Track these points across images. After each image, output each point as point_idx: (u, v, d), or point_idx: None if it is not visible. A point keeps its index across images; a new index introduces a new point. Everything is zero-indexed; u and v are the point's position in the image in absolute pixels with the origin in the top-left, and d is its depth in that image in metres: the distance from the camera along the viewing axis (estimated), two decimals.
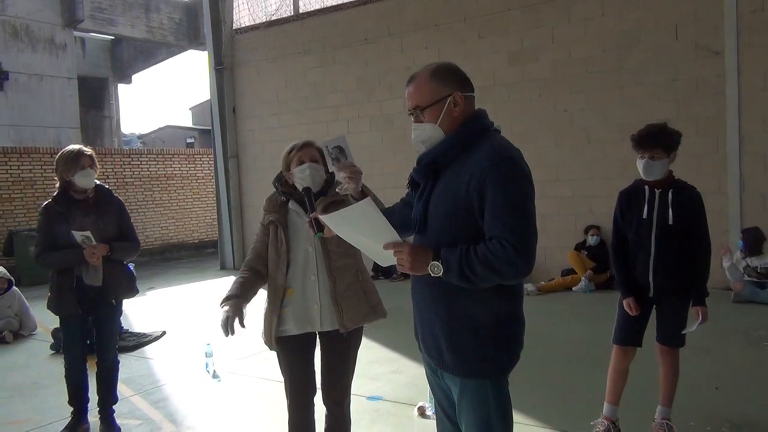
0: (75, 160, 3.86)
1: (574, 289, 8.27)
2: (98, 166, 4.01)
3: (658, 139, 3.37)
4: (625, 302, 3.49)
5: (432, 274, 1.93)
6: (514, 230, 1.87)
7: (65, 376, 4.11)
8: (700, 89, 7.95)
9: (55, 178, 3.99)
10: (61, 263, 3.90)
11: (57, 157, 3.96)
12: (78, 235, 3.77)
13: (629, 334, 3.56)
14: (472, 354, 2.00)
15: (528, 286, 7.85)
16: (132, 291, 4.18)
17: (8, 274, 7.35)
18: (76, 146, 3.98)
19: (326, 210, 2.66)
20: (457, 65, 2.12)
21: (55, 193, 4.00)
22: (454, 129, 2.05)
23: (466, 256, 1.88)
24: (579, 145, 8.86)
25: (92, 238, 3.78)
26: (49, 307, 3.99)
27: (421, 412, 4.16)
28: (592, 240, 8.53)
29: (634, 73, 8.37)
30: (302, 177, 2.87)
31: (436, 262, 1.92)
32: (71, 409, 4.12)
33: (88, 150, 3.96)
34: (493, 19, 9.41)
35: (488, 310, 1.99)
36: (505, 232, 1.87)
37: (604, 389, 3.68)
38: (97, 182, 4.04)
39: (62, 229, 3.86)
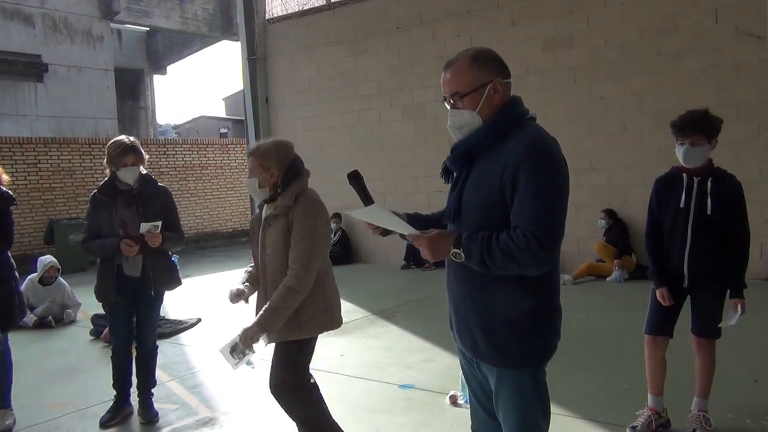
0: (119, 157, 3.89)
1: (608, 279, 8.18)
2: (146, 159, 4.03)
3: (699, 125, 3.29)
4: (658, 292, 3.44)
5: (455, 260, 1.94)
6: (540, 222, 1.84)
7: (111, 359, 4.22)
8: (740, 75, 7.74)
9: (104, 166, 4.04)
10: (100, 252, 3.99)
11: (107, 146, 4.00)
12: (145, 226, 3.83)
13: (660, 324, 3.51)
14: (509, 344, 1.99)
15: (564, 276, 7.78)
16: (173, 283, 4.20)
17: (57, 263, 7.44)
18: (125, 141, 3.96)
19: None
20: (494, 50, 2.09)
21: (103, 181, 4.06)
22: (490, 117, 2.02)
23: (487, 245, 1.87)
24: (615, 133, 8.70)
25: (159, 227, 3.86)
26: (95, 294, 4.09)
27: (453, 400, 4.16)
28: (600, 224, 8.48)
29: (673, 58, 8.17)
30: None
31: (457, 250, 1.92)
32: (114, 393, 4.22)
33: (136, 144, 3.95)
34: (526, 5, 9.28)
35: (524, 300, 1.98)
36: (530, 223, 1.84)
37: (639, 380, 3.64)
38: (145, 172, 4.06)
39: (105, 217, 3.93)
